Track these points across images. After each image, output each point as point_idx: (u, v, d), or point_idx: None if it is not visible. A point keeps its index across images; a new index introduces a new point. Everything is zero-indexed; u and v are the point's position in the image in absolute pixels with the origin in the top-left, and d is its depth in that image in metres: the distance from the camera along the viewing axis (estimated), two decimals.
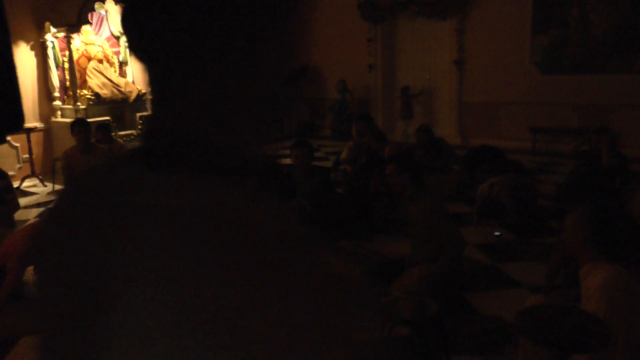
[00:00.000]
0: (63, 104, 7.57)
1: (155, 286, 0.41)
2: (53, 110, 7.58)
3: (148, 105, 8.14)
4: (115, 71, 8.13)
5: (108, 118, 7.40)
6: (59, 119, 7.45)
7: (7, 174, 4.48)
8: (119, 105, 7.74)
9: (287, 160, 4.98)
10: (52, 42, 7.43)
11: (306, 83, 10.18)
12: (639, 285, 2.11)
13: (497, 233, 4.65)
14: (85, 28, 7.66)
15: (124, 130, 7.70)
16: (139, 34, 0.50)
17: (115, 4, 7.74)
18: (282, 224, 0.49)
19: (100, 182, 0.53)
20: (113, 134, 7.39)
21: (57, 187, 6.81)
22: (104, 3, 7.66)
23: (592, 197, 3.51)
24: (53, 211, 0.59)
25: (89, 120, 6.88)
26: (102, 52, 8.04)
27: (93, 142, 5.56)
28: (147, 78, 0.53)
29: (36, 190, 6.81)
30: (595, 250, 2.12)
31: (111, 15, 8.07)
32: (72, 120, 5.85)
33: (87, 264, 0.47)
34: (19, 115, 2.42)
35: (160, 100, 0.52)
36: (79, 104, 7.28)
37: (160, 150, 0.50)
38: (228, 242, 0.43)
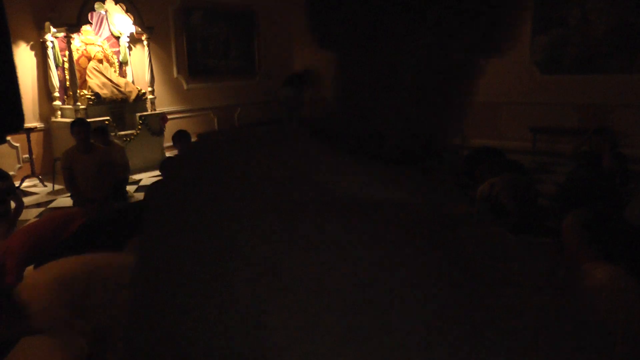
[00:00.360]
0: (63, 104, 7.57)
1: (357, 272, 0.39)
2: (53, 110, 7.58)
3: (148, 105, 8.15)
4: (115, 71, 8.13)
5: (107, 118, 7.40)
6: (59, 119, 7.44)
7: (9, 175, 4.47)
8: (119, 105, 7.74)
9: None
10: (52, 42, 7.42)
11: (308, 87, 10.15)
12: (634, 283, 2.11)
13: None
14: (85, 28, 7.65)
15: (124, 130, 7.70)
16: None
17: (115, 3, 7.74)
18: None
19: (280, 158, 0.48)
20: (113, 133, 7.41)
21: (57, 187, 6.81)
22: (104, 3, 7.66)
23: (592, 199, 3.50)
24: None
25: (88, 120, 6.88)
26: (102, 52, 8.03)
27: (93, 142, 5.54)
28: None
29: (36, 190, 6.81)
30: (592, 251, 2.15)
31: (111, 15, 8.07)
32: (72, 120, 5.83)
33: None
34: (19, 115, 2.42)
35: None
36: (79, 104, 7.28)
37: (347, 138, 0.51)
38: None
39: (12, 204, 4.48)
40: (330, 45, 0.53)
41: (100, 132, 6.06)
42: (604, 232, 2.16)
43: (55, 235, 3.31)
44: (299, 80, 9.90)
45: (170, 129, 7.56)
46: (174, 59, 9.15)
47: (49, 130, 7.54)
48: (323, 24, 0.52)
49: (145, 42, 8.21)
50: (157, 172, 7.54)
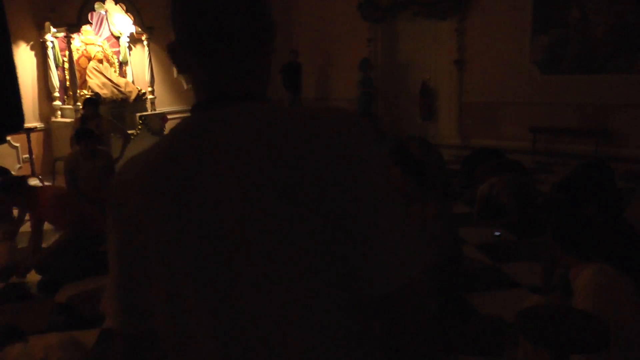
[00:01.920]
0: (63, 104, 7.57)
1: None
2: (53, 110, 7.58)
3: (148, 105, 8.16)
4: (115, 71, 8.13)
5: (94, 95, 7.35)
6: (59, 119, 7.45)
7: (9, 170, 4.47)
8: (119, 105, 7.74)
9: None
10: (52, 42, 7.43)
11: (301, 81, 10.15)
12: (624, 281, 2.13)
13: (497, 233, 4.65)
14: (85, 28, 7.66)
15: (123, 126, 7.70)
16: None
17: (115, 3, 7.74)
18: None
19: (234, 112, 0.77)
20: (113, 134, 7.42)
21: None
22: (104, 3, 7.66)
23: (592, 199, 3.50)
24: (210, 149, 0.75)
25: None
26: (102, 52, 8.04)
27: (98, 149, 5.57)
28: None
29: None
30: (576, 255, 2.22)
31: (111, 15, 8.07)
32: (77, 130, 5.77)
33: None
34: (19, 116, 2.42)
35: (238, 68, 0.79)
36: (78, 104, 7.28)
37: (243, 95, 0.79)
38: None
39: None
40: None
41: (91, 104, 6.14)
42: (582, 235, 2.25)
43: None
44: (293, 72, 9.85)
45: (170, 128, 7.56)
46: None
47: (49, 130, 7.55)
48: None
49: (145, 42, 8.21)
50: None
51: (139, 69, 8.45)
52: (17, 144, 7.24)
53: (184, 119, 0.82)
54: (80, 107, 7.22)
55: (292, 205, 0.70)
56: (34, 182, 7.09)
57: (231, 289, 0.73)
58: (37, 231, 4.13)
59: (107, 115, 7.15)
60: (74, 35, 7.40)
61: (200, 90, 0.81)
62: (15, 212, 4.50)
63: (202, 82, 0.80)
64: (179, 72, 0.88)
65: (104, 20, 8.07)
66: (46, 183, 6.95)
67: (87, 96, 7.42)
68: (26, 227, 5.14)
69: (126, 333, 0.85)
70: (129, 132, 7.60)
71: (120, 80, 7.99)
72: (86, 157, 5.05)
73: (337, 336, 0.74)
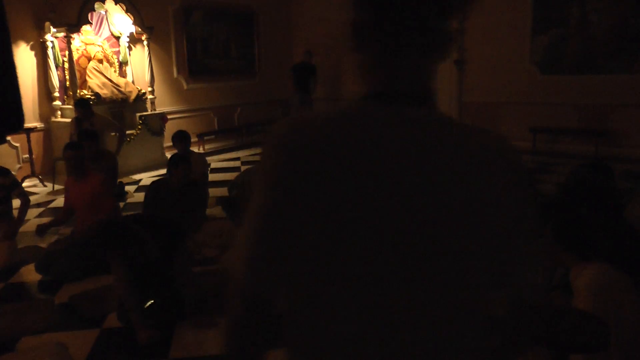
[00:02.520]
0: (63, 104, 7.57)
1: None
2: (53, 110, 7.58)
3: (148, 105, 8.15)
4: (115, 71, 8.13)
5: (93, 95, 7.35)
6: (59, 119, 7.44)
7: (10, 171, 4.47)
8: (119, 105, 7.74)
9: None
10: (52, 42, 7.42)
11: (315, 83, 10.15)
12: (625, 281, 2.13)
13: None
14: (85, 28, 7.66)
15: (124, 129, 7.70)
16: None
17: (115, 3, 7.74)
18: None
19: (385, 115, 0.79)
20: (113, 133, 7.42)
21: (57, 187, 6.81)
22: (104, 3, 7.66)
23: (592, 199, 3.49)
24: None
25: None
26: (102, 52, 8.03)
27: (103, 150, 5.59)
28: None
29: (36, 190, 6.81)
30: (576, 255, 2.22)
31: (111, 15, 8.07)
32: (78, 132, 5.77)
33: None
34: (19, 115, 2.42)
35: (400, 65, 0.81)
36: (74, 102, 7.27)
37: (421, 97, 0.81)
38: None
39: (13, 204, 4.48)
40: None
41: (82, 105, 6.12)
42: (581, 235, 2.25)
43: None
44: (308, 73, 9.83)
45: (170, 129, 7.57)
46: (174, 59, 9.15)
47: (49, 130, 7.54)
48: None
49: (145, 42, 8.21)
50: (157, 172, 7.55)
51: (139, 69, 8.44)
52: (17, 144, 7.24)
53: (359, 102, 0.82)
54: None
55: (460, 217, 0.76)
56: (33, 182, 7.10)
57: (391, 274, 0.77)
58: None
59: (105, 113, 7.17)
60: (74, 35, 7.40)
61: (375, 80, 0.82)
62: (15, 212, 4.49)
63: (382, 74, 0.81)
64: (353, 49, 0.85)
65: (104, 20, 8.06)
66: (46, 183, 6.96)
67: (88, 96, 7.42)
68: (26, 227, 5.15)
69: (251, 296, 0.82)
70: (129, 132, 7.61)
71: (120, 80, 7.98)
72: (90, 159, 5.05)
73: (465, 347, 0.82)
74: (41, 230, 4.39)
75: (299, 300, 0.82)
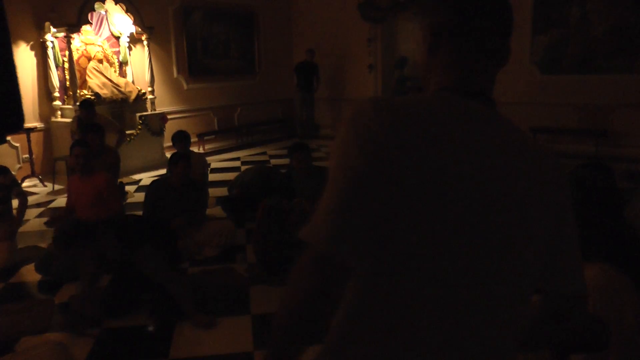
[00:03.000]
0: (63, 104, 7.57)
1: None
2: (53, 110, 7.58)
3: (148, 105, 8.15)
4: (115, 71, 8.13)
5: (92, 95, 7.36)
6: (59, 119, 7.44)
7: (8, 169, 4.46)
8: (119, 105, 7.74)
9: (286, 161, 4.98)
10: (52, 42, 7.42)
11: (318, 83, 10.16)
12: (625, 281, 2.13)
13: None
14: (85, 28, 7.65)
15: (124, 130, 7.69)
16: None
17: (115, 3, 7.74)
18: None
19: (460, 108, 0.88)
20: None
21: (57, 187, 6.81)
22: (104, 3, 7.66)
23: (592, 201, 3.50)
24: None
25: None
26: (102, 52, 8.03)
27: (106, 146, 5.58)
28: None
29: (36, 190, 6.81)
30: None
31: (111, 15, 8.07)
32: (83, 125, 5.78)
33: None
34: (19, 115, 2.42)
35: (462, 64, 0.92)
36: (78, 104, 7.27)
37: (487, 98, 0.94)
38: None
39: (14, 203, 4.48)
40: None
41: (87, 106, 6.09)
42: (584, 235, 2.22)
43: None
44: (311, 71, 9.85)
45: (170, 129, 7.57)
46: (174, 59, 9.15)
47: (49, 130, 7.54)
48: None
49: (145, 42, 8.21)
50: (157, 172, 7.55)
51: (139, 69, 8.44)
52: (17, 144, 7.24)
53: (440, 95, 0.90)
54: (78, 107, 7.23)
55: (525, 206, 0.86)
56: (33, 182, 7.10)
57: (465, 262, 0.83)
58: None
59: (105, 113, 7.17)
60: (74, 35, 7.40)
61: (459, 75, 0.91)
62: (15, 212, 4.49)
63: (457, 70, 0.91)
64: (430, 53, 0.93)
65: (104, 20, 8.06)
66: (46, 183, 6.95)
67: (86, 97, 7.42)
68: (26, 227, 5.15)
69: (331, 258, 0.80)
70: (129, 132, 7.61)
71: (120, 80, 7.98)
72: (93, 154, 5.05)
73: (513, 324, 0.92)
74: (51, 222, 4.38)
75: (378, 275, 0.83)
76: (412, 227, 0.80)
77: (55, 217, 4.45)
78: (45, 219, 5.54)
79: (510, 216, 0.85)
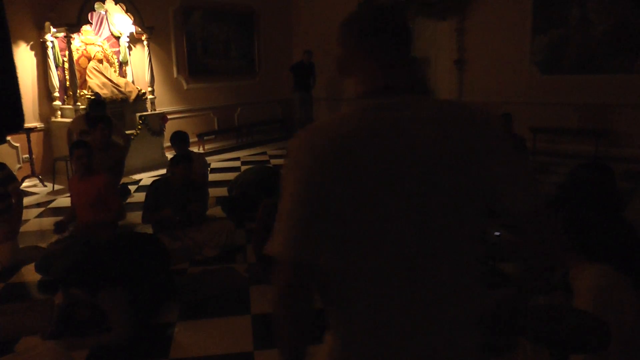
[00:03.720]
0: (63, 104, 7.57)
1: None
2: (53, 110, 7.58)
3: (148, 105, 8.15)
4: (115, 71, 8.13)
5: (94, 95, 7.37)
6: (59, 119, 7.44)
7: (5, 165, 4.44)
8: (119, 105, 7.74)
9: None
10: (52, 42, 7.42)
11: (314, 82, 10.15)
12: (625, 283, 2.13)
13: (497, 233, 4.65)
14: (85, 28, 7.65)
15: (124, 130, 7.69)
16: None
17: (115, 3, 7.74)
18: None
19: (409, 100, 1.08)
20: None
21: (57, 187, 6.81)
22: (104, 3, 7.66)
23: (592, 199, 3.49)
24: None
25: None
26: (102, 52, 8.03)
27: (112, 140, 5.57)
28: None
29: (36, 190, 6.81)
30: (578, 255, 2.21)
31: (111, 15, 8.06)
32: (90, 116, 5.77)
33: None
34: (19, 115, 2.42)
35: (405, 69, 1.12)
36: (79, 104, 7.28)
37: (417, 89, 1.10)
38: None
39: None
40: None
41: (99, 105, 6.08)
42: (586, 234, 2.23)
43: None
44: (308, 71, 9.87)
45: (170, 128, 7.56)
46: (174, 59, 9.15)
47: (49, 130, 7.54)
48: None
49: (145, 42, 8.21)
50: (157, 172, 7.55)
51: (139, 69, 8.44)
52: (17, 144, 7.24)
53: (366, 101, 1.11)
54: (81, 107, 7.23)
55: (461, 161, 1.05)
56: (33, 182, 7.10)
57: (421, 238, 1.03)
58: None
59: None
60: (74, 35, 7.40)
61: (375, 80, 1.11)
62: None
63: (380, 75, 1.11)
64: (342, 73, 1.18)
65: (104, 20, 8.06)
66: (46, 183, 6.95)
67: (88, 96, 7.43)
68: (26, 227, 5.15)
69: (297, 262, 1.00)
70: (129, 132, 7.62)
71: (120, 80, 7.98)
72: (100, 147, 5.02)
73: (473, 252, 1.12)
74: (60, 227, 4.32)
75: (335, 261, 1.04)
76: (361, 223, 1.00)
77: (60, 223, 4.39)
78: (45, 219, 5.55)
79: (452, 178, 1.04)
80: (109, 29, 8.14)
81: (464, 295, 1.08)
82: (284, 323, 1.04)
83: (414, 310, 1.04)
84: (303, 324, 1.04)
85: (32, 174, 7.09)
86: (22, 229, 4.76)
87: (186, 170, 4.38)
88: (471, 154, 1.05)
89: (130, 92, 7.93)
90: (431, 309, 1.05)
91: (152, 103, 8.28)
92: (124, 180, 7.05)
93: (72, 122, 6.51)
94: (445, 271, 1.05)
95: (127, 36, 8.24)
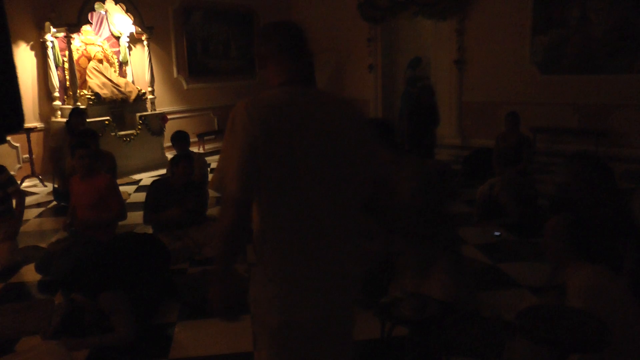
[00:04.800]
0: (63, 104, 7.57)
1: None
2: (53, 110, 7.58)
3: (148, 105, 8.16)
4: (115, 71, 8.13)
5: (108, 118, 7.41)
6: (59, 119, 7.44)
7: (5, 167, 4.45)
8: (119, 105, 7.74)
9: None
10: (52, 42, 7.42)
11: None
12: (618, 283, 2.14)
13: (497, 233, 4.65)
14: (85, 28, 7.66)
15: (124, 130, 7.69)
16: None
17: (115, 3, 7.74)
18: None
19: (301, 91, 1.55)
20: (113, 134, 7.41)
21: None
22: (104, 3, 7.66)
23: (592, 199, 3.50)
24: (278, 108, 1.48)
25: (88, 120, 6.88)
26: (102, 52, 8.03)
27: (102, 150, 5.57)
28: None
29: (36, 190, 6.81)
30: (575, 254, 2.23)
31: (111, 15, 8.07)
32: (78, 131, 5.75)
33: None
34: (19, 115, 2.41)
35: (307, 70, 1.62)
36: (78, 104, 7.28)
37: (309, 82, 1.61)
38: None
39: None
40: None
41: (78, 115, 6.04)
42: (586, 235, 2.25)
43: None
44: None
45: (170, 129, 7.56)
46: (174, 59, 9.15)
47: (49, 130, 7.54)
48: None
49: (145, 42, 8.21)
50: (157, 172, 7.54)
51: (139, 69, 8.44)
52: (17, 144, 7.24)
53: (281, 88, 1.56)
54: (81, 107, 7.23)
55: (356, 143, 1.56)
56: (33, 182, 7.10)
57: (315, 185, 1.48)
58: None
59: (105, 113, 7.16)
60: (74, 35, 7.40)
61: (285, 75, 1.57)
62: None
63: (289, 71, 1.57)
64: (261, 67, 1.65)
65: (104, 20, 8.06)
66: (46, 183, 6.96)
67: (88, 96, 7.42)
68: (26, 227, 5.15)
69: (241, 200, 1.44)
70: (129, 132, 7.62)
71: (120, 80, 7.98)
72: (84, 173, 5.02)
73: (354, 213, 1.60)
74: (68, 227, 4.31)
75: (266, 198, 1.46)
76: (279, 173, 1.43)
77: (69, 224, 4.37)
78: (45, 219, 5.56)
79: (334, 147, 1.50)
80: (109, 29, 8.14)
81: (347, 225, 1.56)
82: (224, 249, 1.50)
83: (315, 238, 1.50)
84: (236, 250, 1.52)
85: (32, 174, 7.09)
86: (22, 229, 4.76)
87: (186, 170, 4.38)
88: (354, 133, 1.56)
89: (130, 92, 7.93)
90: (326, 235, 1.51)
91: (152, 103, 8.28)
92: (124, 180, 7.06)
93: (52, 137, 6.41)
94: (335, 211, 1.52)
95: (127, 36, 8.24)
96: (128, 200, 6.15)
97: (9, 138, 6.82)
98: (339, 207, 1.51)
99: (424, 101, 6.60)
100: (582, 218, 2.36)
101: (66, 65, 7.47)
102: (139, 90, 8.06)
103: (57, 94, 7.53)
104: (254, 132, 1.40)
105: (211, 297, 1.53)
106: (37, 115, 7.47)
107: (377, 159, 1.61)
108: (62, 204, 5.72)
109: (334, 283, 1.53)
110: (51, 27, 7.19)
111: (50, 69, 7.43)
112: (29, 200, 6.11)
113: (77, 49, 7.68)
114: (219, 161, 1.47)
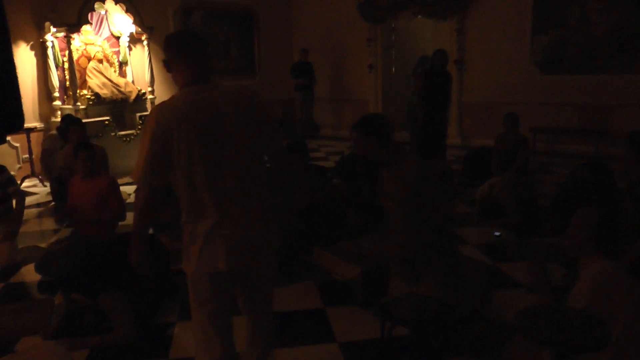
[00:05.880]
0: (63, 104, 7.57)
1: None
2: (53, 110, 7.58)
3: (148, 105, 8.15)
4: (115, 71, 8.13)
5: (108, 118, 7.41)
6: (59, 119, 7.43)
7: (5, 167, 4.45)
8: (118, 105, 7.74)
9: None
10: (52, 42, 7.42)
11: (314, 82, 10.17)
12: (629, 281, 2.14)
13: (497, 233, 4.65)
14: (85, 28, 7.65)
15: (124, 130, 7.69)
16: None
17: (115, 3, 7.74)
18: None
19: (215, 90, 1.93)
20: (113, 133, 7.41)
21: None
22: (104, 3, 7.65)
23: (593, 199, 3.50)
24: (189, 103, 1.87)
25: (88, 120, 6.88)
26: (102, 52, 8.03)
27: (93, 143, 5.55)
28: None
29: (36, 190, 6.81)
30: (595, 246, 2.24)
31: (111, 15, 8.06)
32: (66, 122, 5.74)
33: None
34: (19, 116, 2.41)
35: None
36: (78, 104, 7.28)
37: (206, 81, 1.96)
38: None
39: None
40: None
41: (72, 122, 6.03)
42: (611, 230, 2.28)
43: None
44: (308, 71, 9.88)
45: None
46: None
47: (48, 130, 7.53)
48: None
49: (145, 42, 8.21)
50: None
51: (139, 69, 8.44)
52: (17, 144, 7.24)
53: (185, 89, 1.90)
54: (81, 107, 7.23)
55: (249, 124, 1.90)
56: (33, 182, 7.10)
57: (221, 160, 1.85)
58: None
59: (105, 113, 7.15)
60: (74, 35, 7.39)
61: (187, 77, 1.91)
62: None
63: (189, 74, 1.91)
64: (168, 71, 2.00)
65: (104, 20, 8.06)
66: (46, 183, 6.95)
67: (88, 96, 7.42)
68: (26, 227, 5.14)
69: (152, 186, 1.89)
70: (129, 132, 7.62)
71: (120, 80, 7.98)
72: (86, 174, 5.00)
73: (262, 180, 1.98)
74: (61, 219, 4.33)
75: (180, 175, 1.85)
76: (188, 158, 1.81)
77: (62, 215, 4.41)
78: (45, 219, 5.55)
79: (237, 131, 1.86)
80: (109, 29, 8.14)
81: (251, 190, 1.91)
82: (138, 221, 1.98)
83: (224, 201, 1.86)
84: (150, 220, 2.06)
85: (32, 174, 7.08)
86: (22, 229, 4.76)
87: None
88: (247, 116, 1.89)
89: (130, 92, 7.93)
90: (233, 197, 1.86)
91: (152, 103, 8.27)
92: (124, 180, 7.05)
93: (44, 141, 6.39)
94: (242, 181, 1.87)
95: (127, 36, 8.24)
96: (128, 201, 6.15)
97: (8, 138, 6.82)
98: (242, 177, 1.87)
99: (436, 62, 6.54)
100: (609, 214, 2.38)
101: (66, 65, 7.46)
102: (139, 90, 8.06)
103: (57, 94, 7.53)
104: (159, 130, 1.80)
105: (129, 257, 2.00)
106: (37, 115, 7.47)
107: (270, 135, 1.98)
108: (55, 203, 5.75)
109: (244, 238, 1.88)
110: (51, 27, 7.19)
111: (50, 69, 7.43)
112: (29, 200, 6.11)
113: (77, 49, 7.67)
114: (138, 158, 1.71)
